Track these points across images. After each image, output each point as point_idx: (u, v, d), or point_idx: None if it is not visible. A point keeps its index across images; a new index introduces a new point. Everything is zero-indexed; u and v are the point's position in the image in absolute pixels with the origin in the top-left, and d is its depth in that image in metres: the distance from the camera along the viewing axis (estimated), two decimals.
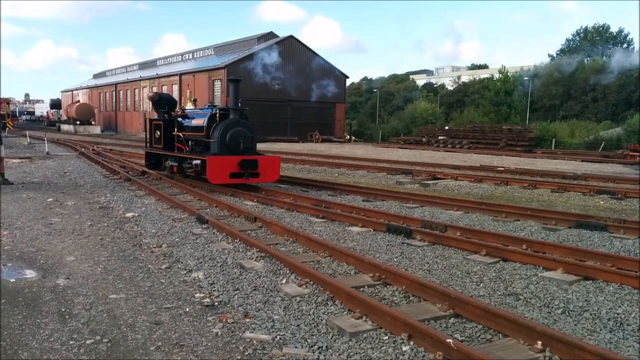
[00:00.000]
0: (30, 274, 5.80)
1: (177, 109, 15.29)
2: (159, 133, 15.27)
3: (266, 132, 45.87)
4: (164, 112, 15.49)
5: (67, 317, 4.57)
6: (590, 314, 4.78)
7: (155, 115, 16.68)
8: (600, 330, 4.45)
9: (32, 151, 25.72)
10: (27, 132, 36.72)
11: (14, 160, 19.44)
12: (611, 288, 5.49)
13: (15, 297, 5.04)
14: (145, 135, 16.70)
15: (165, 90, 55.46)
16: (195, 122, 14.06)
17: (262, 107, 47.04)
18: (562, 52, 68.70)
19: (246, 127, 13.31)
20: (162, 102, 15.98)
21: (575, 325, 4.55)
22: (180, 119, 14.63)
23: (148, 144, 16.28)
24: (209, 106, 15.22)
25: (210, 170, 12.35)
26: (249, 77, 46.15)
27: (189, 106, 15.68)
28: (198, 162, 13.02)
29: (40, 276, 5.70)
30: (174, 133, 14.54)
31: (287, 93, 48.30)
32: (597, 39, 67.84)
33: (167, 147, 14.97)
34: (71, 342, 4.05)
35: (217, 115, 13.17)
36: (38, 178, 14.87)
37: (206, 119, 13.38)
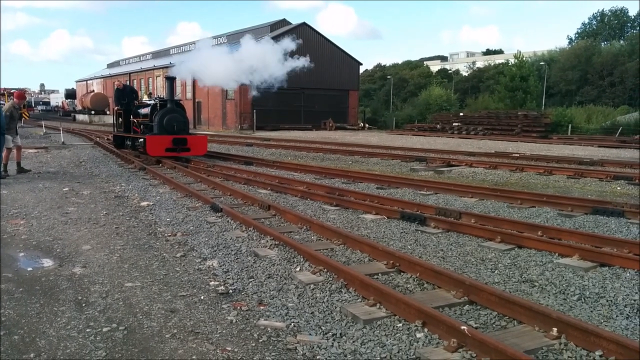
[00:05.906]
0: (47, 262, 5.86)
1: (136, 102, 18.74)
2: (121, 120, 18.79)
3: (280, 120, 45.84)
4: (125, 102, 18.40)
5: (83, 305, 4.62)
6: (607, 301, 4.74)
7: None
8: (617, 316, 4.41)
9: (48, 141, 25.92)
10: (43, 122, 37.01)
11: (30, 150, 19.62)
12: (628, 274, 5.43)
13: (33, 285, 5.10)
14: (113, 121, 20.30)
15: (178, 79, 55.54)
16: (144, 110, 17.55)
17: (275, 95, 46.91)
18: (579, 35, 67.78)
19: (180, 113, 16.72)
20: (126, 92, 18.80)
21: (592, 312, 4.51)
22: (136, 109, 18.05)
23: (115, 129, 19.69)
24: (155, 99, 18.34)
25: (149, 146, 15.72)
26: None
27: (145, 98, 20.10)
28: (142, 140, 16.54)
29: (56, 265, 5.77)
30: (131, 119, 18.05)
31: (300, 81, 48.10)
32: (614, 23, 66.79)
33: (126, 130, 18.53)
34: (88, 330, 4.09)
35: (158, 105, 16.60)
36: (54, 168, 15.01)
37: (150, 108, 16.87)
